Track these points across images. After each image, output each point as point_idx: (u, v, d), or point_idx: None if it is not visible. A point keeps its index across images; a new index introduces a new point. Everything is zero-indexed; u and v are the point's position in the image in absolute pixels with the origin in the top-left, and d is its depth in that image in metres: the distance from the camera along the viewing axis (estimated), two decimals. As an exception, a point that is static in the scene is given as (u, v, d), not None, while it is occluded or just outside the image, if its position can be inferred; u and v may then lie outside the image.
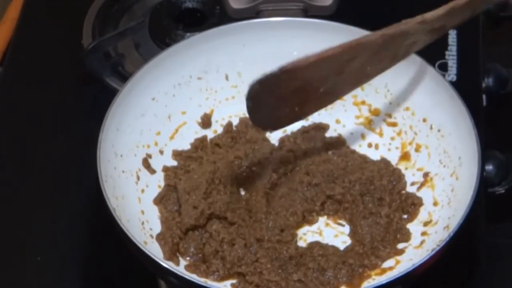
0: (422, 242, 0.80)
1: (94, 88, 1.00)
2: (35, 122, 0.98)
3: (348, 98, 0.89)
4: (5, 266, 0.87)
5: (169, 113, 0.89)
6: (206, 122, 0.91)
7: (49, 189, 0.92)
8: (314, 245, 0.81)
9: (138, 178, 0.84)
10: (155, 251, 0.78)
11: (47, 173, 0.93)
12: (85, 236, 0.89)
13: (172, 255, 0.80)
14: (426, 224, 0.82)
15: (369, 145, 0.90)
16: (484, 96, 0.98)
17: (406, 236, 0.82)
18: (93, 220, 0.89)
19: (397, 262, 0.80)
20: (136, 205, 0.82)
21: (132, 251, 0.74)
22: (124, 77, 0.97)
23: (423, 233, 0.81)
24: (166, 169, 0.87)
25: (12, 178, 0.94)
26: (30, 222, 0.89)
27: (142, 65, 0.87)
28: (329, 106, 0.92)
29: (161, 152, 0.88)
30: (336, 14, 1.02)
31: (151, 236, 0.81)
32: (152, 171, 0.86)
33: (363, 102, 0.91)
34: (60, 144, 0.96)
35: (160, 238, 0.81)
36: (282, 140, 0.90)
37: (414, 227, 0.83)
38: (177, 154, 0.88)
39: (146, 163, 0.86)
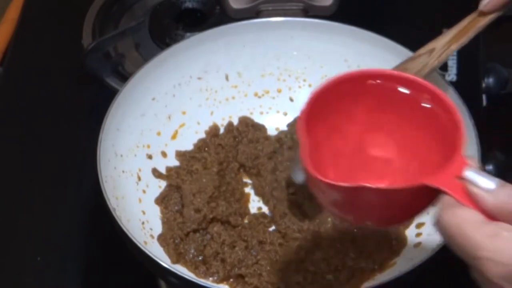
0: (419, 243, 0.80)
1: (94, 88, 1.00)
2: (35, 122, 0.98)
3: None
4: (5, 266, 0.86)
5: (169, 113, 0.89)
6: (214, 132, 0.91)
7: (49, 189, 0.92)
8: (315, 249, 0.81)
9: (138, 178, 0.84)
10: (155, 251, 0.78)
11: (47, 173, 0.93)
12: (85, 236, 0.89)
13: (178, 257, 0.80)
14: (419, 226, 0.82)
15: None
16: (484, 96, 0.98)
17: (401, 243, 0.81)
18: (93, 220, 0.89)
19: (396, 262, 0.80)
20: (136, 205, 0.82)
21: (132, 251, 0.74)
22: (124, 77, 0.97)
23: (417, 235, 0.81)
24: (169, 169, 0.87)
25: (12, 178, 0.94)
26: (30, 222, 0.89)
27: (142, 65, 0.87)
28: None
29: (162, 152, 0.88)
30: (336, 14, 1.02)
31: (151, 236, 0.81)
32: (165, 178, 0.86)
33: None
34: (60, 144, 0.96)
35: (161, 239, 0.81)
36: (278, 138, 0.90)
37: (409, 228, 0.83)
38: (180, 155, 0.88)
39: (156, 173, 0.86)
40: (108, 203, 0.76)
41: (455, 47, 0.80)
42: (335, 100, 0.62)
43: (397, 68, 0.82)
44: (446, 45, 0.80)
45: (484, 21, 0.80)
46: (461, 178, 0.53)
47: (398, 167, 0.63)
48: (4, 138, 0.98)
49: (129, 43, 1.03)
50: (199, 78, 0.91)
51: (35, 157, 0.95)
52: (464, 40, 0.80)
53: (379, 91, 0.62)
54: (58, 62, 1.04)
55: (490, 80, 0.99)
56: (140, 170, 0.85)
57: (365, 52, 0.89)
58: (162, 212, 0.84)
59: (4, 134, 0.98)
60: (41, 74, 1.03)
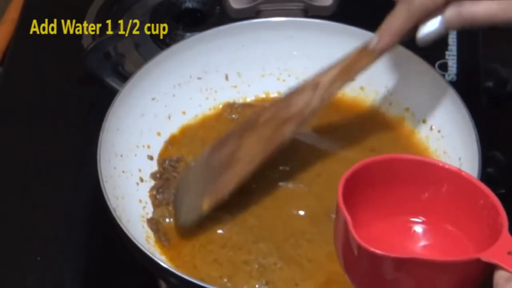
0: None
1: (94, 88, 1.00)
2: (35, 122, 0.98)
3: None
4: (5, 266, 0.87)
5: (169, 113, 0.89)
6: None
7: (49, 189, 0.92)
8: None
9: (139, 178, 0.84)
10: (155, 252, 0.78)
11: (47, 173, 0.93)
12: (85, 236, 0.89)
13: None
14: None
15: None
16: (484, 96, 0.98)
17: None
18: (93, 220, 0.89)
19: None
20: (137, 205, 0.82)
21: (132, 251, 0.74)
22: (124, 77, 0.97)
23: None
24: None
25: (12, 178, 0.94)
26: (30, 222, 0.89)
27: (142, 65, 0.87)
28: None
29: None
30: (336, 14, 1.02)
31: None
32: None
33: (362, 103, 0.91)
34: (60, 144, 0.96)
35: (152, 222, 0.81)
36: None
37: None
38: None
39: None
40: (108, 203, 0.76)
41: (337, 86, 0.80)
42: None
43: (281, 101, 0.82)
44: (330, 82, 0.80)
45: (371, 60, 0.79)
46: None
47: (428, 244, 0.64)
48: (4, 138, 0.98)
49: (129, 43, 1.03)
50: (199, 78, 0.91)
51: (35, 157, 0.95)
52: (347, 78, 0.80)
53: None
54: (58, 62, 1.04)
55: (490, 80, 0.99)
56: (140, 170, 0.85)
57: (365, 52, 0.89)
58: (153, 201, 0.84)
59: (4, 134, 0.98)
60: (41, 74, 1.03)
